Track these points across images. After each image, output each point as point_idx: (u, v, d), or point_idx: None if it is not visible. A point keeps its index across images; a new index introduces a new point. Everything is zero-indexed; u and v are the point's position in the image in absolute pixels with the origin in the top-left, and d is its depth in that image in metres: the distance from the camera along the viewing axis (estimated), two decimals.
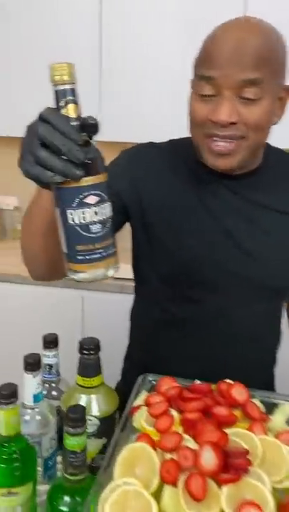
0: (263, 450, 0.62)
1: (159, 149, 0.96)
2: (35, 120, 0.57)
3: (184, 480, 0.55)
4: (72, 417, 0.66)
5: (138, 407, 0.73)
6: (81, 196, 0.58)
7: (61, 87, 0.56)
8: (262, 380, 1.00)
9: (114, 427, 0.80)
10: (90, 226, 0.59)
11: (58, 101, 0.57)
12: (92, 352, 0.81)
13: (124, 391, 0.86)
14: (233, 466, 0.56)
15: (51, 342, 0.88)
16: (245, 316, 0.94)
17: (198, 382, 0.79)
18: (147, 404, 0.72)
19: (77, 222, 0.58)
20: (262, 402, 0.75)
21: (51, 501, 0.70)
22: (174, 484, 0.56)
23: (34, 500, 0.76)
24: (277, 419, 0.71)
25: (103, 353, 0.81)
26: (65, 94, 0.57)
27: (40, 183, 0.59)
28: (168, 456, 0.60)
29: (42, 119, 0.56)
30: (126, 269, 1.95)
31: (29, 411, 0.80)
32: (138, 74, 1.86)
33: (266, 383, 1.01)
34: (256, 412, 0.69)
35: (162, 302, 0.96)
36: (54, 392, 0.89)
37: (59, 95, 0.57)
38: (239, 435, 0.63)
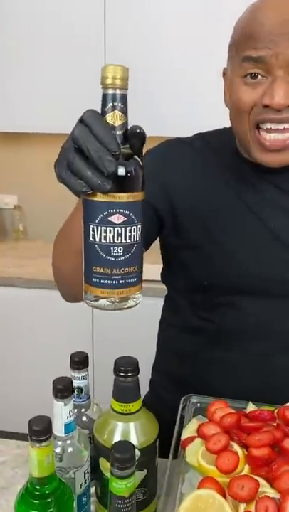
0: None
1: (187, 145, 0.86)
2: (77, 123, 0.49)
3: None
4: (121, 458, 0.56)
5: (190, 438, 0.63)
6: (106, 213, 0.51)
7: (110, 91, 0.50)
8: None
9: (155, 457, 0.71)
10: (111, 248, 0.52)
11: (104, 105, 0.50)
12: (130, 374, 0.71)
13: (154, 405, 0.76)
14: None
15: (81, 362, 0.77)
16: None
17: (251, 405, 0.69)
18: (202, 436, 0.62)
19: (97, 240, 0.52)
20: None
21: None
22: None
23: None
24: None
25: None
26: (113, 99, 0.50)
27: (72, 191, 0.51)
28: (242, 506, 0.50)
29: (82, 121, 0.49)
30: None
31: (60, 443, 0.70)
32: (143, 70, 1.77)
33: None
34: None
35: (200, 311, 0.87)
36: (84, 418, 0.79)
37: (107, 99, 0.50)
38: None
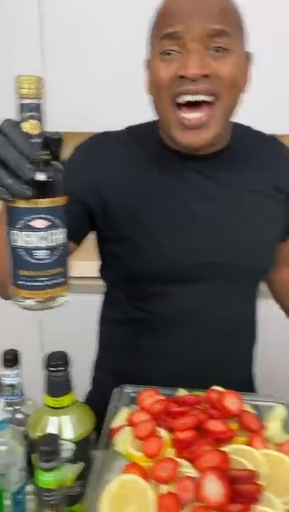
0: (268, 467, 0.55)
1: (113, 139, 0.86)
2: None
3: None
4: (45, 450, 0.56)
5: (119, 427, 0.64)
6: (27, 218, 0.52)
7: (26, 101, 0.51)
8: (242, 380, 0.93)
9: (91, 449, 0.71)
10: (34, 252, 0.54)
11: (21, 114, 0.52)
12: (60, 368, 0.71)
13: (95, 402, 0.77)
14: (240, 494, 0.49)
15: (12, 359, 0.76)
16: (221, 309, 0.86)
17: (182, 391, 0.71)
18: (131, 424, 0.63)
19: (20, 244, 0.54)
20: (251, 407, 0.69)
21: None
22: None
23: None
24: (273, 427, 0.65)
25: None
26: (29, 109, 0.52)
27: None
28: (164, 488, 0.51)
29: (2, 131, 0.50)
30: (81, 267, 1.83)
31: None
32: (84, 61, 1.76)
33: (247, 384, 0.95)
34: (254, 423, 0.61)
35: (135, 302, 0.87)
36: (19, 416, 0.78)
37: (23, 109, 0.52)
38: (240, 452, 0.56)
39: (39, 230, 0.53)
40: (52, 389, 0.72)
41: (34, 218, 0.53)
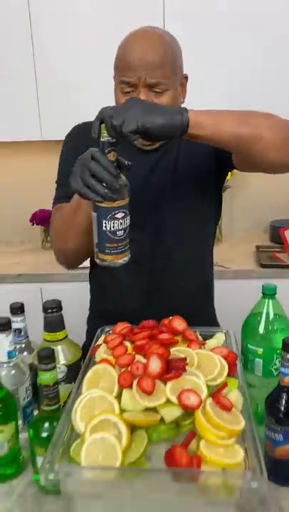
0: (198, 359, 0.78)
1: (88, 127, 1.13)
2: (86, 157, 0.84)
3: (137, 382, 0.70)
4: (44, 355, 0.80)
5: (98, 346, 0.88)
6: (113, 213, 0.85)
7: (109, 140, 0.83)
8: (204, 315, 1.17)
9: (79, 370, 0.94)
10: (117, 232, 0.87)
11: (104, 148, 0.84)
12: (55, 310, 0.95)
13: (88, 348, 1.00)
14: (173, 367, 0.72)
15: (18, 308, 1.00)
16: (178, 250, 1.14)
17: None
18: (105, 342, 0.86)
19: (108, 229, 0.86)
20: (200, 335, 0.92)
21: (33, 431, 0.83)
22: (130, 387, 0.71)
23: (17, 438, 0.88)
24: (211, 343, 0.88)
25: None
26: (110, 145, 0.84)
27: (85, 199, 0.86)
28: (123, 370, 0.74)
29: (93, 158, 0.83)
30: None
31: (5, 366, 0.93)
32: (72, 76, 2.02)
33: (209, 319, 1.20)
34: (194, 336, 0.85)
35: None
36: (25, 353, 1.02)
37: (105, 145, 0.84)
38: (179, 351, 0.79)
39: (119, 219, 0.85)
40: (49, 326, 0.96)
41: (117, 213, 0.85)
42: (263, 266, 1.93)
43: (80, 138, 1.15)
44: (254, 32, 1.97)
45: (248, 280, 1.88)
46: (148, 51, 0.98)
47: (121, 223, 0.86)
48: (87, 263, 1.98)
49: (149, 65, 0.98)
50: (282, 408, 0.81)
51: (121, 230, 0.87)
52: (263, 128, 0.87)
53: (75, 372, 0.95)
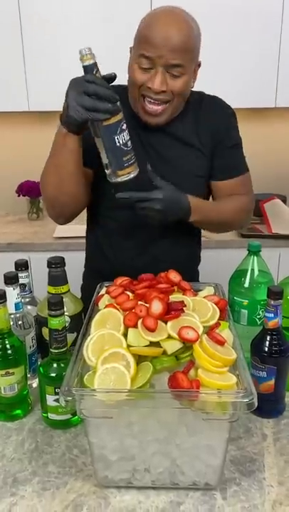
0: (193, 305, 0.88)
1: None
2: (81, 80, 0.93)
3: (141, 321, 0.79)
4: (53, 302, 0.88)
5: (101, 296, 0.96)
6: (120, 125, 0.94)
7: (92, 63, 0.94)
8: (189, 276, 1.27)
9: (81, 323, 1.02)
10: (127, 143, 0.97)
11: (92, 70, 0.93)
12: (59, 265, 1.03)
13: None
14: (173, 309, 0.81)
15: (22, 264, 1.07)
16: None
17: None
18: (107, 292, 0.95)
19: (121, 142, 0.95)
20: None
21: (43, 371, 0.91)
22: (135, 326, 0.80)
23: (26, 380, 0.97)
24: (203, 293, 0.98)
25: None
26: (95, 66, 0.94)
27: (95, 121, 0.94)
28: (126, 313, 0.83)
29: (88, 80, 0.93)
30: (66, 230, 2.15)
31: (12, 317, 1.00)
32: (60, 42, 2.04)
33: (192, 279, 1.30)
34: (188, 286, 0.94)
35: (108, 215, 1.24)
36: (30, 307, 1.09)
37: (91, 67, 0.94)
38: (176, 298, 0.88)
39: (125, 130, 0.95)
40: (53, 281, 1.04)
41: (122, 124, 0.94)
42: (243, 236, 2.05)
43: None
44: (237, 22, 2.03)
45: (230, 249, 1.99)
46: (175, 33, 1.03)
47: (127, 133, 0.96)
48: (74, 232, 2.05)
49: (174, 46, 1.03)
50: (266, 348, 0.92)
51: (128, 139, 0.97)
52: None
53: (77, 322, 1.03)
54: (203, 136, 1.20)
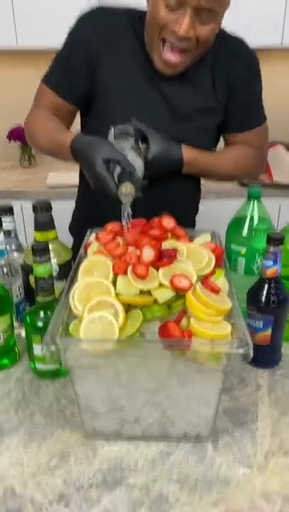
0: (188, 252, 0.82)
1: (114, 13, 1.07)
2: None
3: (131, 268, 0.74)
4: (38, 248, 0.82)
5: (89, 243, 0.90)
6: None
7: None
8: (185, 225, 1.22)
9: (69, 272, 0.97)
10: None
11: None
12: (45, 210, 0.96)
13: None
14: (165, 256, 0.76)
15: (7, 209, 1.01)
16: None
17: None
18: (97, 238, 0.89)
19: None
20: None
21: (29, 321, 0.87)
22: (125, 274, 0.74)
23: (12, 329, 0.93)
24: (198, 240, 0.92)
25: None
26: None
27: None
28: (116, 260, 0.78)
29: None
30: (60, 178, 2.07)
31: None
32: None
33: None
34: (182, 232, 0.88)
35: None
36: (16, 254, 1.04)
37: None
38: (170, 245, 0.83)
39: None
40: (39, 226, 0.97)
41: None
42: (243, 185, 1.97)
43: (96, 25, 1.06)
44: None
45: (228, 199, 1.91)
46: None
47: None
48: (68, 180, 1.97)
49: None
50: (263, 298, 0.87)
51: None
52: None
53: (66, 270, 0.98)
54: (219, 83, 1.10)
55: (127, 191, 0.87)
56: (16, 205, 1.10)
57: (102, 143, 0.93)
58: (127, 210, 0.88)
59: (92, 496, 0.68)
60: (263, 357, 0.90)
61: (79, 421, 0.77)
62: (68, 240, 1.28)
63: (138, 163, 0.94)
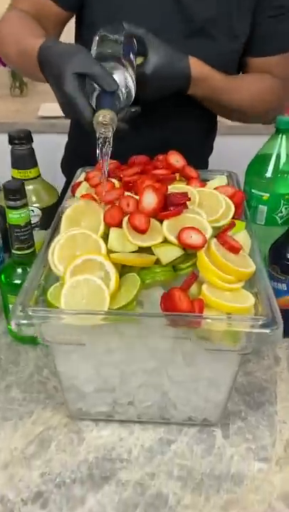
0: (200, 198, 0.65)
1: None
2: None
3: (127, 219, 0.57)
4: (10, 188, 0.65)
5: (78, 184, 0.73)
6: None
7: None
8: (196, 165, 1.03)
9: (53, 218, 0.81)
10: None
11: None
12: (24, 142, 0.78)
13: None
14: (172, 203, 0.59)
15: None
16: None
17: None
18: (87, 179, 0.72)
19: None
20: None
21: (5, 277, 0.72)
22: (119, 226, 0.58)
23: None
24: (213, 183, 0.74)
25: None
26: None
27: None
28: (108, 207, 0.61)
29: None
30: (54, 109, 1.83)
31: None
32: None
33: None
34: (194, 173, 0.71)
35: None
36: None
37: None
38: (177, 189, 0.66)
39: None
40: (18, 162, 0.80)
41: None
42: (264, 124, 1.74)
43: None
44: None
45: (247, 137, 1.70)
46: None
47: None
48: (60, 111, 1.74)
49: None
50: None
51: None
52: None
53: (50, 216, 0.81)
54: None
55: (105, 120, 0.61)
56: (3, 138, 0.91)
57: (75, 52, 0.68)
58: (104, 148, 0.62)
59: (76, 495, 0.56)
60: (285, 325, 0.76)
61: (63, 397, 0.65)
62: (61, 177, 1.11)
63: (126, 81, 0.68)
